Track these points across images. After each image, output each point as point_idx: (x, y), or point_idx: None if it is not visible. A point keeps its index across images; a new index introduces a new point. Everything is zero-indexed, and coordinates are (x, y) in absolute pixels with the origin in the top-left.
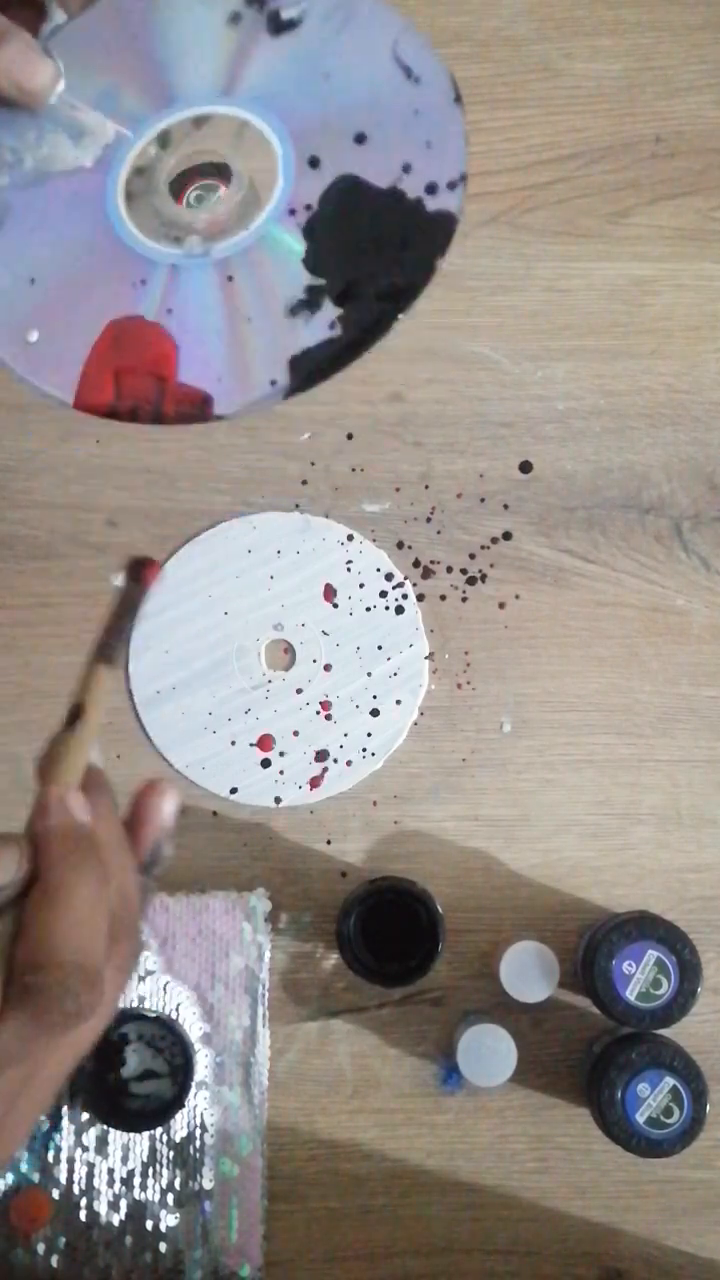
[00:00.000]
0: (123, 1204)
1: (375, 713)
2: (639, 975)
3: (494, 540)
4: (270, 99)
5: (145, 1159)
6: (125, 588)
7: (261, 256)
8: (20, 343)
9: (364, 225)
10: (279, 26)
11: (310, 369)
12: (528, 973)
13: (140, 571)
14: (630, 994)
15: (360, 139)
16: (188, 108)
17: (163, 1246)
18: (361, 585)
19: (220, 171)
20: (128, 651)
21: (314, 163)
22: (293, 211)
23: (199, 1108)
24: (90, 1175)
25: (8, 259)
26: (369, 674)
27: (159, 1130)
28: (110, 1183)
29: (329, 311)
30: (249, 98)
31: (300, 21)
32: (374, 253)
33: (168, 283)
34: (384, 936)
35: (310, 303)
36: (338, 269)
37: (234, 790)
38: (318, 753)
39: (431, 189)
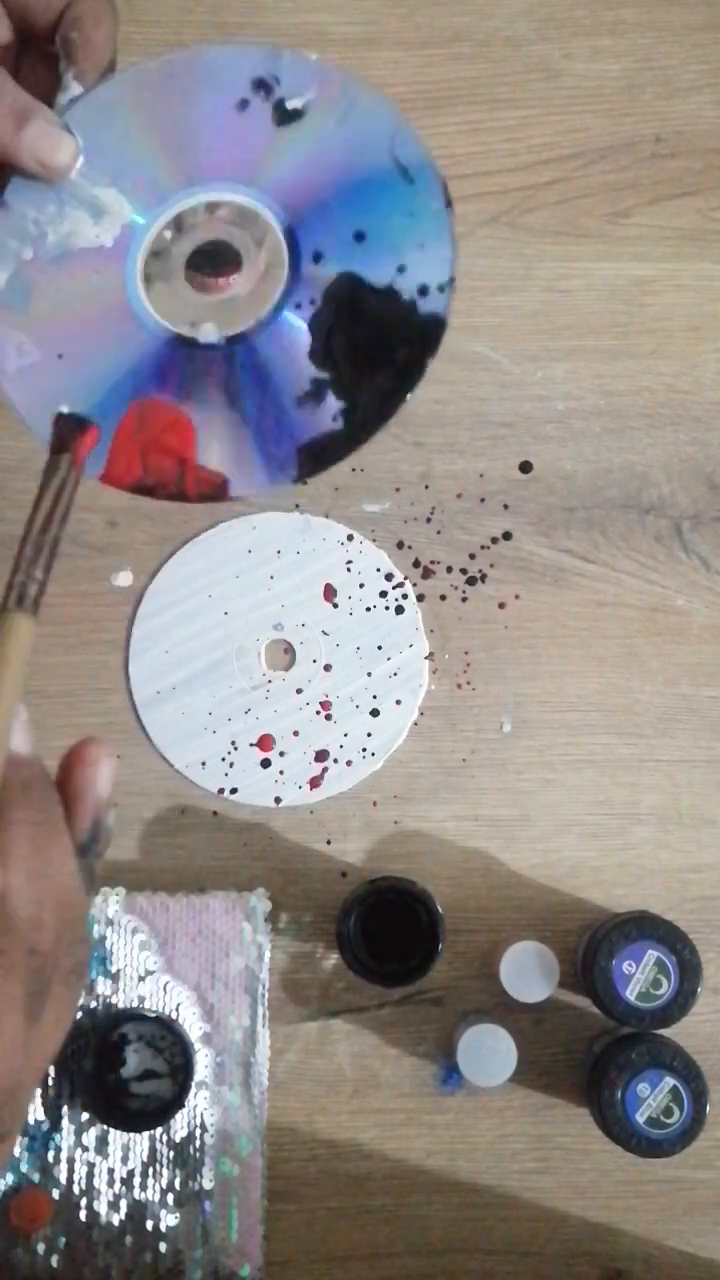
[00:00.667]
0: (123, 1204)
1: (375, 713)
2: (639, 975)
3: (494, 540)
4: (278, 190)
5: (145, 1159)
6: (51, 468)
7: (273, 347)
8: (54, 415)
9: (363, 322)
10: (284, 116)
11: (317, 458)
12: (528, 973)
13: (72, 439)
14: (630, 994)
15: (360, 237)
16: (200, 193)
17: (163, 1246)
18: (361, 585)
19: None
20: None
21: (317, 257)
22: (299, 305)
23: (199, 1108)
24: (90, 1175)
25: (37, 335)
26: (369, 674)
27: (159, 1130)
28: (110, 1183)
29: (332, 404)
30: (258, 187)
31: (305, 113)
32: (372, 350)
33: (186, 368)
34: (384, 936)
35: (315, 395)
36: (340, 364)
37: (234, 790)
38: (318, 753)
39: (423, 290)
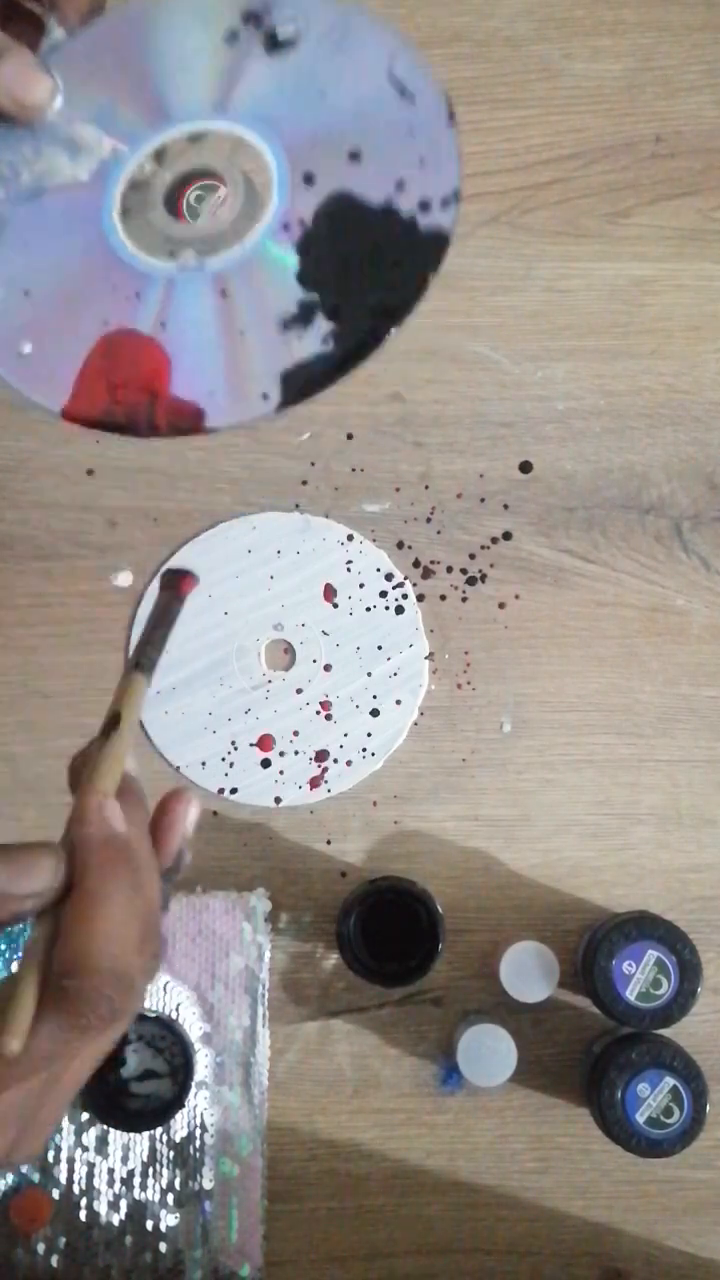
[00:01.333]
0: (123, 1204)
1: (375, 713)
2: (639, 975)
3: (494, 540)
4: (266, 116)
5: (145, 1159)
6: (161, 599)
7: (256, 271)
8: (14, 355)
9: (357, 241)
10: (275, 45)
11: (302, 383)
12: (528, 973)
13: (177, 583)
14: (630, 994)
15: (355, 156)
16: (183, 124)
17: (163, 1246)
18: (361, 585)
19: (214, 177)
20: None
21: (308, 179)
22: (287, 227)
23: (199, 1108)
24: (90, 1175)
25: (3, 272)
26: (369, 674)
27: (159, 1130)
28: (110, 1183)
29: (321, 326)
30: (244, 115)
31: (296, 41)
32: (367, 269)
33: (162, 297)
34: (384, 936)
35: (303, 318)
36: (331, 285)
37: (234, 790)
38: (318, 753)
39: (425, 206)
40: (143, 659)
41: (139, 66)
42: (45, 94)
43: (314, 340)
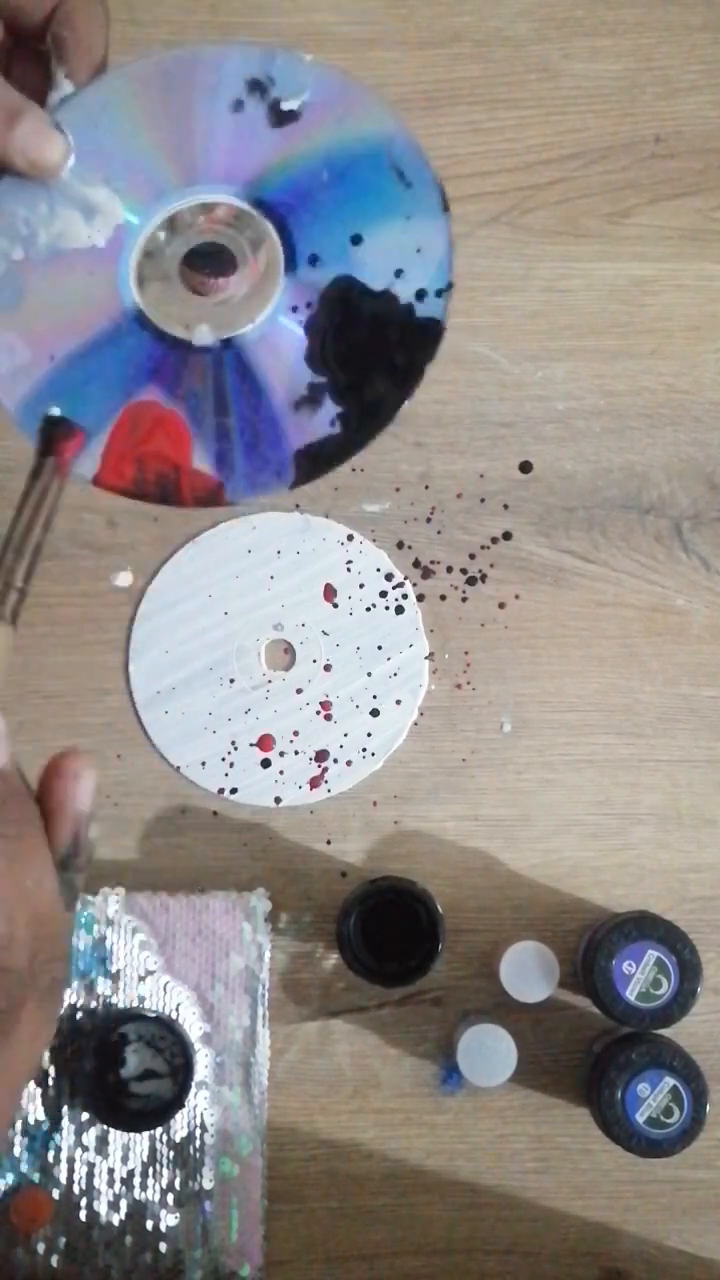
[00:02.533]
0: (123, 1204)
1: (375, 713)
2: (639, 975)
3: (494, 540)
4: (273, 193)
5: (145, 1159)
6: (34, 473)
7: (270, 350)
8: (41, 418)
9: (360, 326)
10: (280, 118)
11: (314, 463)
12: (528, 973)
13: (55, 442)
14: (630, 994)
15: (356, 240)
16: (194, 194)
17: (163, 1246)
18: (361, 585)
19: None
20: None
21: (313, 260)
22: (295, 308)
23: (199, 1108)
24: (90, 1175)
25: (28, 335)
26: (369, 674)
27: (159, 1130)
28: (110, 1183)
29: (329, 409)
30: (252, 189)
31: (300, 114)
32: (369, 354)
33: (182, 370)
34: (384, 936)
35: (312, 399)
36: (337, 368)
37: (234, 790)
38: (318, 753)
39: (420, 295)
40: (5, 597)
41: (149, 131)
42: (59, 154)
43: (323, 422)
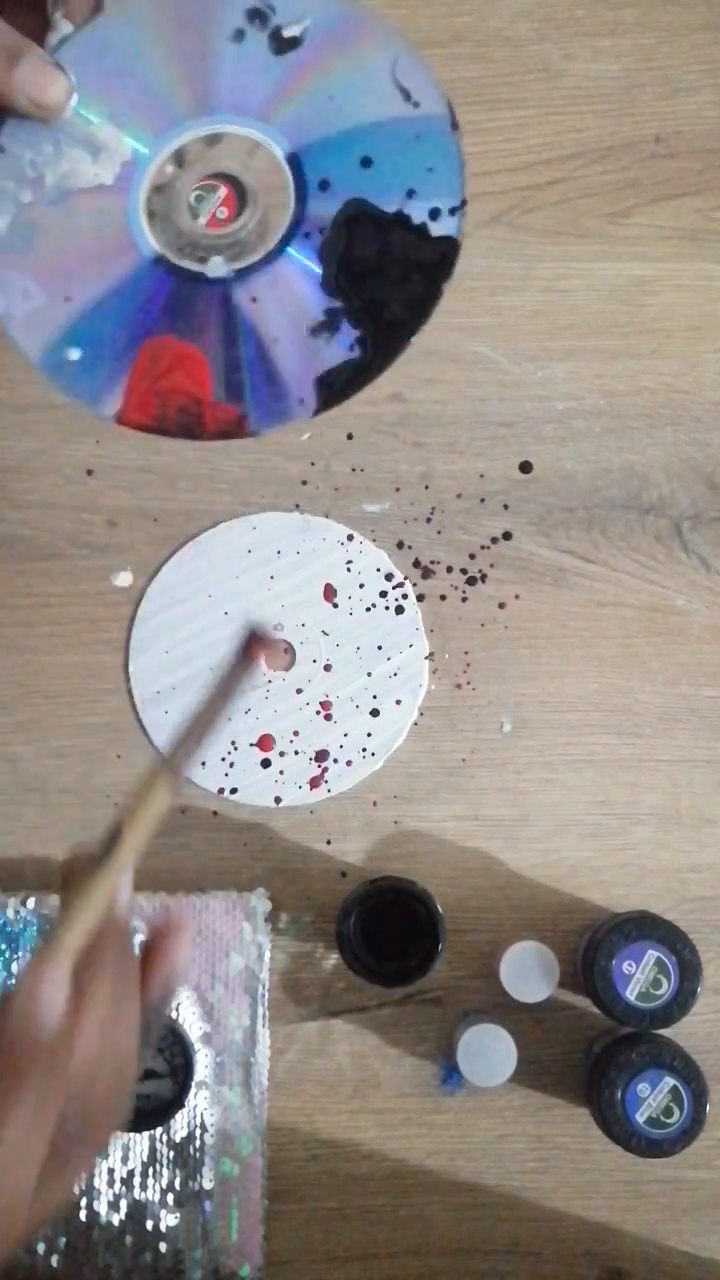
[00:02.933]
0: (123, 1204)
1: (375, 713)
2: (639, 975)
3: (494, 540)
4: (279, 120)
5: (145, 1159)
6: (231, 669)
7: (283, 278)
8: (62, 361)
9: (375, 249)
10: (281, 45)
11: (335, 388)
12: (528, 973)
13: (254, 645)
14: (630, 994)
15: (366, 162)
16: (201, 125)
17: (163, 1246)
18: (361, 585)
19: (230, 181)
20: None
21: (324, 185)
22: (308, 235)
23: (199, 1108)
24: (90, 1175)
25: (43, 278)
26: (369, 674)
27: (159, 1130)
28: (110, 1183)
29: (348, 333)
30: (258, 118)
31: (303, 40)
32: (386, 276)
33: (197, 304)
34: (384, 936)
35: (330, 325)
36: (353, 292)
37: (234, 790)
38: (318, 753)
39: (434, 214)
40: (177, 760)
41: (151, 65)
42: (62, 93)
43: (343, 346)
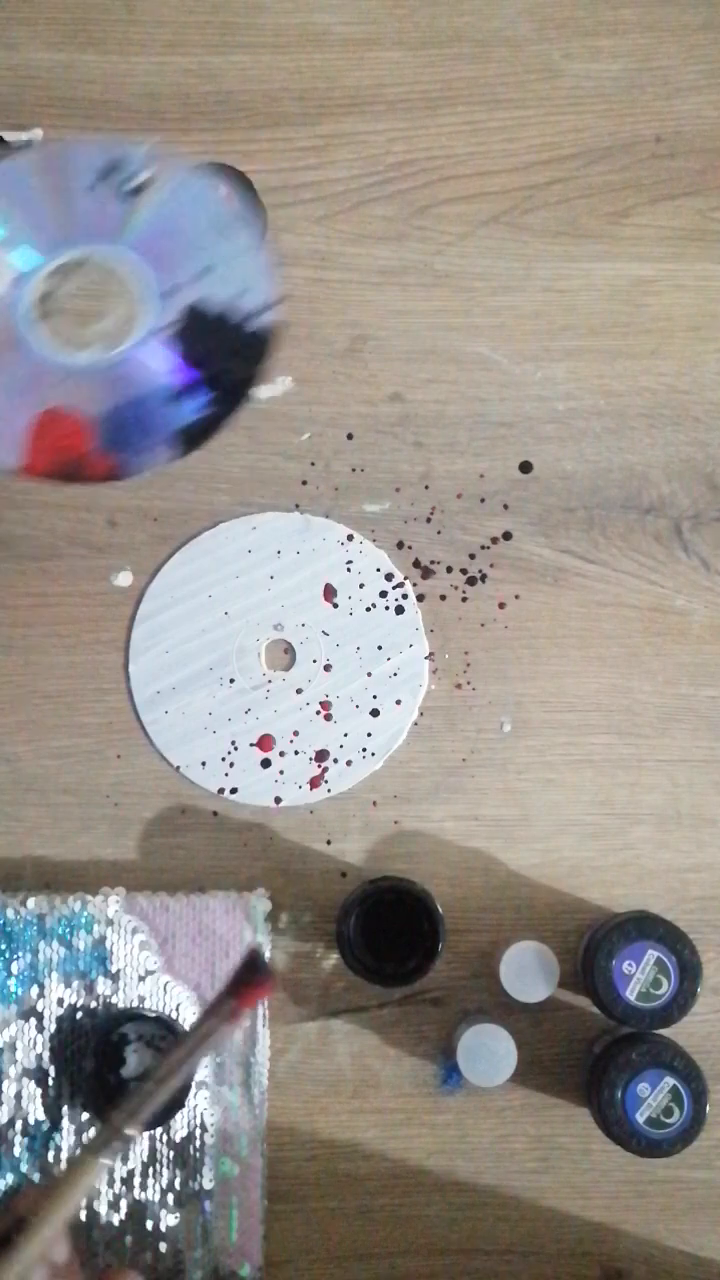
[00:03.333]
0: (123, 1204)
1: (375, 713)
2: (639, 975)
3: (494, 540)
4: (137, 244)
5: (145, 1159)
6: (212, 1014)
7: (148, 359)
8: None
9: (215, 336)
10: (134, 190)
11: (191, 438)
12: (528, 973)
13: (248, 986)
14: (630, 994)
15: (205, 271)
16: (76, 249)
17: (163, 1246)
18: (361, 585)
19: (230, 183)
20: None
21: (175, 290)
22: (165, 326)
23: (199, 1108)
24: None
25: None
26: (369, 674)
27: (159, 1130)
28: (110, 1183)
29: (199, 398)
30: (122, 242)
31: (147, 187)
32: (224, 356)
33: (78, 382)
34: (384, 936)
35: (189, 390)
36: (202, 365)
37: (234, 790)
38: (318, 753)
39: (257, 311)
40: (114, 1139)
41: (33, 204)
42: None
43: (195, 409)
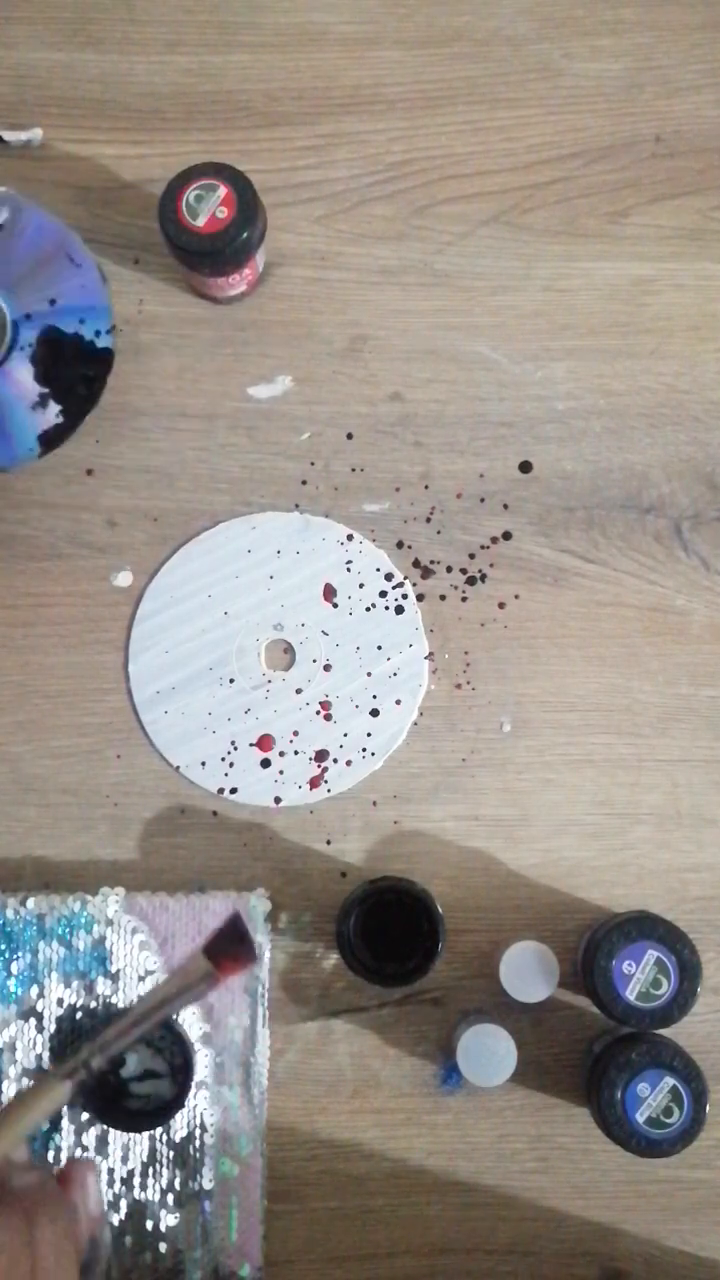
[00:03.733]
0: (123, 1204)
1: (375, 713)
2: (639, 975)
3: (494, 540)
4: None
5: (145, 1159)
6: (191, 970)
7: (10, 377)
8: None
9: (62, 355)
10: None
11: (51, 441)
12: (528, 973)
13: (228, 958)
14: (630, 994)
15: (53, 302)
16: None
17: (163, 1246)
18: (361, 585)
19: (230, 182)
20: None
21: (29, 317)
22: (22, 348)
23: (199, 1108)
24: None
25: None
26: (369, 674)
27: (159, 1130)
28: (110, 1183)
29: (54, 407)
30: None
31: (2, 226)
32: (71, 371)
33: None
34: (384, 936)
35: (42, 403)
36: (53, 381)
37: (234, 790)
38: (318, 753)
39: (98, 333)
40: (79, 1070)
41: None
42: None
43: (52, 416)
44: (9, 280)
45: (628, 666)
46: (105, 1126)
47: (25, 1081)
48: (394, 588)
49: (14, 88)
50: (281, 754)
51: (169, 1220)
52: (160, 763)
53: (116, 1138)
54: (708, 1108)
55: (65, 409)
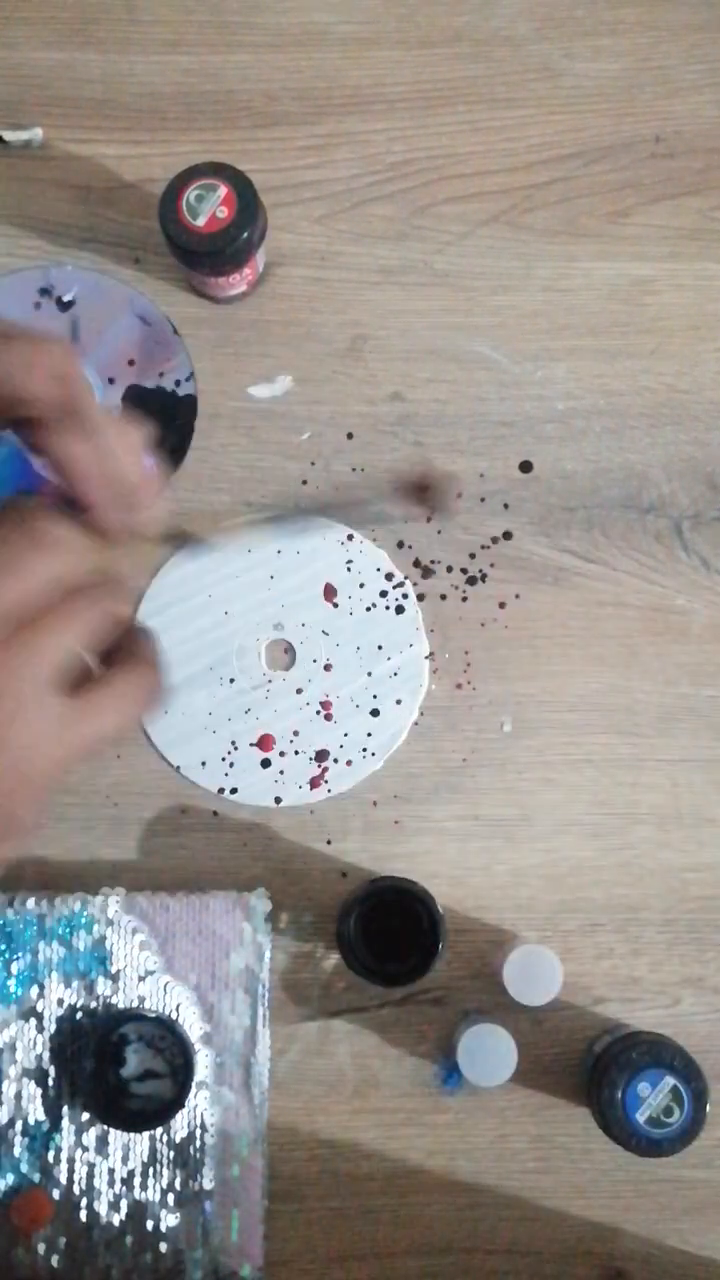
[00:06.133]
0: (123, 1204)
1: (375, 713)
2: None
3: (494, 540)
4: (81, 343)
5: (145, 1159)
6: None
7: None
8: None
9: (150, 408)
10: (63, 306)
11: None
12: (533, 976)
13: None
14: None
15: (131, 363)
16: None
17: (163, 1246)
18: (361, 585)
19: (230, 181)
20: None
21: (111, 380)
22: (112, 410)
23: (199, 1108)
24: (90, 1175)
25: None
26: (369, 674)
27: (159, 1130)
28: (110, 1183)
29: (149, 461)
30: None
31: (76, 301)
32: (162, 419)
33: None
34: (384, 936)
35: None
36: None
37: (234, 790)
38: (318, 753)
39: (178, 383)
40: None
41: None
42: None
43: (149, 466)
44: (88, 347)
45: (628, 666)
46: (105, 1126)
47: (25, 1081)
48: (394, 587)
49: (14, 88)
50: (282, 754)
51: (170, 1220)
52: (160, 762)
53: (117, 1138)
54: (708, 1107)
55: (164, 458)
